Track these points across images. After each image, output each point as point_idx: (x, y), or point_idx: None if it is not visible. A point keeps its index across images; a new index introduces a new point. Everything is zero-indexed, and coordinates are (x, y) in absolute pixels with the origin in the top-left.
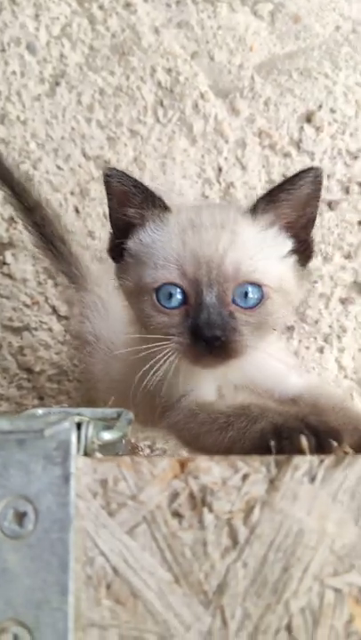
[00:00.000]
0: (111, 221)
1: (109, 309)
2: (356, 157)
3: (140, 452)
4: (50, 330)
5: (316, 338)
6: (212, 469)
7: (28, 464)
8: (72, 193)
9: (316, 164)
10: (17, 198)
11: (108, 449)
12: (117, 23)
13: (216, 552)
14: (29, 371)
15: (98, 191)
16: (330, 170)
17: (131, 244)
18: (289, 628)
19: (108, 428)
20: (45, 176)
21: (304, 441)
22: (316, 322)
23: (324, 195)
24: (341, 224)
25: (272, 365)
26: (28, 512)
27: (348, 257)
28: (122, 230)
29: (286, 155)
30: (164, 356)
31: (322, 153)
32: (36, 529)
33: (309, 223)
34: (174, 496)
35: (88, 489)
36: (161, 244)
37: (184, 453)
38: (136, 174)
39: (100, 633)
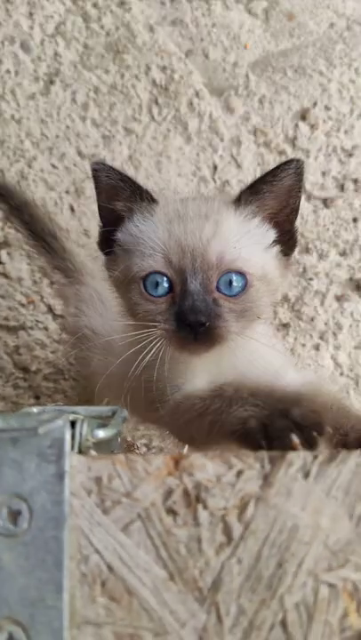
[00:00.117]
0: (100, 214)
1: (106, 303)
2: (350, 155)
3: (137, 451)
4: (45, 329)
5: (311, 335)
6: (206, 466)
7: (22, 462)
8: (67, 191)
9: (311, 161)
10: (3, 199)
11: (103, 447)
12: (112, 21)
13: (211, 549)
14: (25, 370)
15: (93, 190)
16: (325, 167)
17: (119, 235)
18: (284, 624)
19: (103, 425)
20: (40, 175)
21: (296, 439)
22: (312, 319)
23: (320, 192)
24: (337, 221)
25: (268, 360)
26: (23, 510)
27: (343, 254)
28: (110, 223)
29: (281, 152)
30: (151, 342)
31: (317, 150)
32: (31, 527)
33: (292, 213)
34: (169, 493)
35: (82, 487)
36: (148, 234)
37: (183, 451)
38: (131, 172)
39: (94, 630)
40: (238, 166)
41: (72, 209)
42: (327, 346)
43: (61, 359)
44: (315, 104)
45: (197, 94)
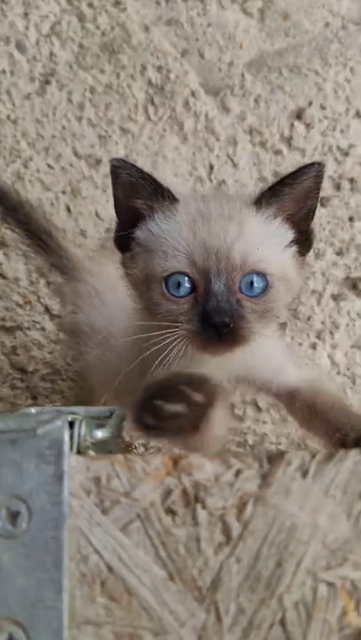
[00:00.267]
0: (117, 212)
1: (105, 300)
2: (346, 154)
3: (135, 451)
4: (43, 329)
5: (308, 334)
6: (204, 466)
7: (21, 463)
8: (63, 192)
9: (307, 160)
10: None
11: (102, 447)
12: (107, 21)
13: (210, 548)
14: (23, 370)
15: (89, 190)
16: None
17: (139, 233)
18: (283, 623)
19: (101, 426)
20: (36, 175)
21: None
22: (309, 318)
23: None
24: (333, 220)
25: (271, 356)
26: (22, 511)
27: (339, 253)
28: (129, 221)
29: (277, 152)
30: (173, 342)
31: (313, 150)
32: (30, 528)
33: (310, 215)
34: (167, 493)
35: (81, 487)
36: (170, 234)
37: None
38: None
39: (94, 630)
40: (234, 166)
41: (68, 209)
42: (324, 345)
43: (59, 359)
44: (310, 103)
45: (193, 94)
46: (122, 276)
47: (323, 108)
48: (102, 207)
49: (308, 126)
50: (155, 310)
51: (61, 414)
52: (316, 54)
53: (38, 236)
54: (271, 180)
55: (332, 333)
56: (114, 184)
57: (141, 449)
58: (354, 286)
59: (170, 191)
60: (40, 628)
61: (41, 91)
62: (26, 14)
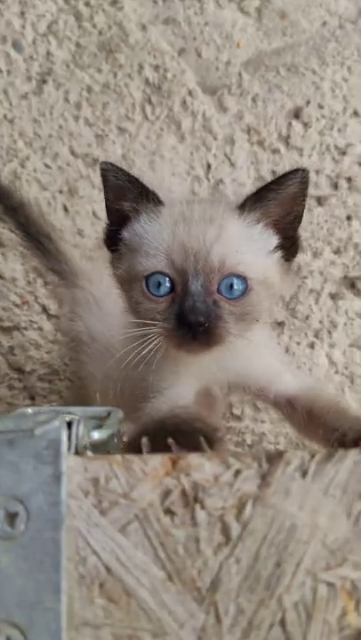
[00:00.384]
0: (107, 212)
1: (103, 306)
2: (344, 153)
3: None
4: (40, 329)
5: (306, 333)
6: (203, 466)
7: (19, 464)
8: (60, 191)
9: (304, 159)
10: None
11: (100, 447)
12: (104, 20)
13: (209, 549)
14: (20, 370)
15: (86, 189)
16: (318, 165)
17: (125, 234)
18: (283, 623)
19: (99, 426)
20: (33, 174)
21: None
22: (307, 317)
23: (314, 190)
24: (331, 219)
25: (265, 363)
26: (20, 512)
27: (337, 252)
28: (117, 222)
29: (275, 151)
30: (149, 339)
31: (310, 149)
32: (28, 529)
33: (296, 220)
34: (166, 493)
35: (79, 488)
36: (153, 235)
37: None
38: None
39: (93, 632)
40: (232, 165)
41: (65, 209)
42: (322, 344)
43: (56, 359)
44: (308, 102)
45: (190, 93)
46: (110, 276)
47: (320, 107)
48: (99, 206)
49: (306, 125)
50: (136, 308)
51: (59, 415)
52: (313, 53)
53: (37, 239)
54: (269, 179)
55: (330, 332)
56: (104, 186)
57: None
58: (352, 285)
59: (155, 194)
60: (38, 629)
61: (38, 90)
62: (22, 13)
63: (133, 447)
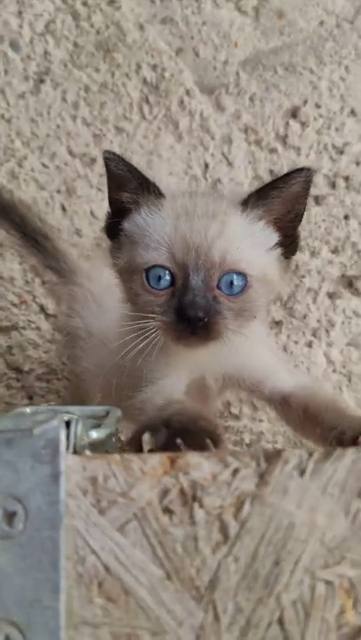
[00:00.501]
0: (109, 201)
1: (101, 304)
2: (341, 152)
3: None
4: (38, 329)
5: (304, 332)
6: (202, 465)
7: (17, 463)
8: (58, 191)
9: (302, 159)
10: None
11: (98, 447)
12: (102, 20)
13: (207, 547)
14: (18, 370)
15: (84, 189)
16: (316, 165)
17: (126, 224)
18: (281, 622)
19: (98, 425)
20: (31, 174)
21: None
22: (305, 316)
23: (311, 190)
24: (328, 219)
25: (262, 360)
26: (18, 511)
27: (335, 251)
28: (118, 212)
29: (272, 150)
30: (147, 331)
31: (308, 148)
32: (27, 528)
33: (297, 219)
34: (165, 492)
35: (78, 487)
36: (154, 227)
37: None
38: None
39: (92, 631)
40: (229, 164)
41: (63, 208)
42: (320, 343)
43: (54, 359)
44: (305, 102)
45: (188, 93)
46: (109, 265)
47: (318, 106)
48: (97, 206)
49: (304, 125)
50: (134, 300)
51: (57, 414)
52: (310, 53)
53: (34, 238)
54: (266, 178)
55: (327, 331)
56: (107, 176)
57: None
58: (350, 284)
59: (156, 186)
60: (37, 628)
61: (35, 90)
62: (20, 13)
63: (134, 443)
